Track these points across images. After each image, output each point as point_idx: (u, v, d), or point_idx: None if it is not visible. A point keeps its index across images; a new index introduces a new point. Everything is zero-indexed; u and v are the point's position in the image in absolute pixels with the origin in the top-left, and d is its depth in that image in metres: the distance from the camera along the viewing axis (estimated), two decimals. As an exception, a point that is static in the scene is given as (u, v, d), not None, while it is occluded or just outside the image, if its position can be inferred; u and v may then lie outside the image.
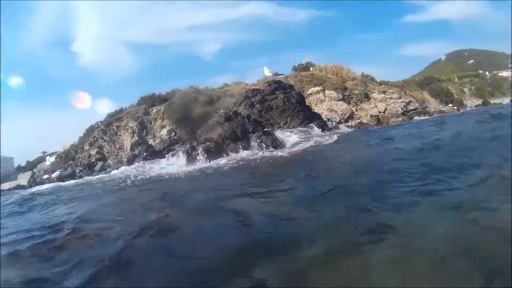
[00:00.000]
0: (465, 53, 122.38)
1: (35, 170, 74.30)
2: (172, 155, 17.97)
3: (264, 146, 16.29)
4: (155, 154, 29.92)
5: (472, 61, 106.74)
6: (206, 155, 15.33)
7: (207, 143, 15.98)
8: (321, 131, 19.25)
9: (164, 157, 26.73)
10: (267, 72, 25.92)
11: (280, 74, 33.46)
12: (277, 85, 22.96)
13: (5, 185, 67.07)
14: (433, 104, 65.40)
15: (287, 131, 19.01)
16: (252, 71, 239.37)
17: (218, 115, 20.83)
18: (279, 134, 18.72)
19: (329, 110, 48.51)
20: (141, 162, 28.49)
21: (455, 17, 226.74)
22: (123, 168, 17.54)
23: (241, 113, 20.45)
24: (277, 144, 16.86)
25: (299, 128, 19.16)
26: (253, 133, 17.43)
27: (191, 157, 15.57)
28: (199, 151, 15.45)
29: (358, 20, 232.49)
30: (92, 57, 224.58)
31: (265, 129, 18.53)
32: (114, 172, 21.83)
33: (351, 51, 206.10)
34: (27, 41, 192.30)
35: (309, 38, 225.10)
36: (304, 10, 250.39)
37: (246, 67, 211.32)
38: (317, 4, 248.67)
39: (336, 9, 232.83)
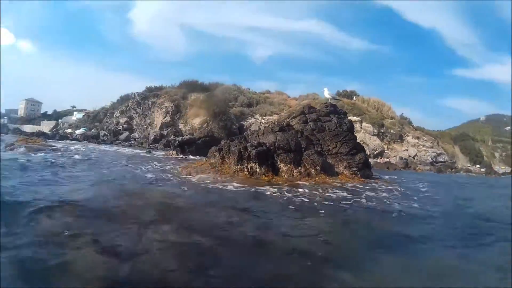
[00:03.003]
0: (504, 119, 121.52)
1: (60, 121, 75.82)
2: (219, 151, 18.23)
3: (313, 166, 16.62)
4: (189, 142, 30.44)
5: (509, 128, 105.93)
6: (257, 160, 15.61)
7: (260, 147, 16.18)
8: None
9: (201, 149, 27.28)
10: (327, 94, 25.90)
11: (339, 100, 33.72)
12: (333, 109, 23.09)
13: (27, 128, 68.83)
14: (462, 161, 65.35)
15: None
16: (295, 85, 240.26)
17: (271, 122, 21.01)
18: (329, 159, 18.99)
19: (362, 142, 48.83)
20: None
21: (503, 81, 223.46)
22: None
23: (294, 126, 20.68)
24: (327, 168, 17.19)
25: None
26: (306, 149, 17.79)
27: (242, 158, 15.86)
28: (251, 154, 15.69)
29: (409, 62, 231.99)
30: (146, 29, 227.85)
31: (317, 149, 18.71)
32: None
33: (395, 89, 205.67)
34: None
35: (358, 67, 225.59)
36: (360, 40, 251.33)
37: (290, 80, 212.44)
38: (374, 37, 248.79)
39: (391, 47, 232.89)
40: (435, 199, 13.23)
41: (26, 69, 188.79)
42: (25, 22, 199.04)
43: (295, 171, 15.94)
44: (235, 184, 12.63)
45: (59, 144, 30.63)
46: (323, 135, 20.39)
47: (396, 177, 24.41)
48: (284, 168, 16.02)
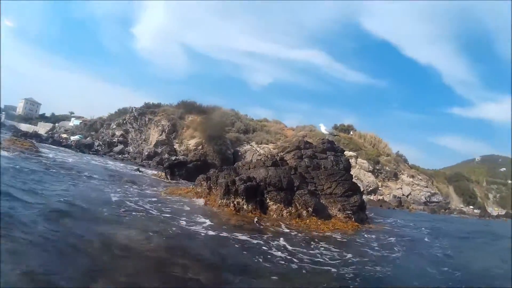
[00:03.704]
0: (500, 160, 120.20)
1: (57, 125, 75.62)
2: (206, 180, 17.04)
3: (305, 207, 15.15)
4: (180, 165, 28.95)
5: (504, 169, 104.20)
6: (245, 196, 14.30)
7: (249, 182, 14.88)
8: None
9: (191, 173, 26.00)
10: (323, 130, 24.73)
11: (335, 135, 32.64)
12: (330, 146, 21.75)
13: (24, 126, 68.11)
14: (455, 202, 64.50)
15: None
16: (291, 114, 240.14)
17: (263, 155, 19.71)
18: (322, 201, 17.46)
19: (356, 178, 47.53)
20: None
21: (499, 120, 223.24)
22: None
23: (288, 162, 19.29)
24: (320, 210, 15.69)
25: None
26: (298, 188, 16.36)
27: (229, 192, 14.57)
28: (239, 189, 14.38)
29: (406, 98, 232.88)
30: (148, 45, 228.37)
31: (311, 188, 17.32)
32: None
33: (391, 125, 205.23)
34: (88, 7, 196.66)
35: (355, 100, 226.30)
36: (358, 73, 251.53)
37: (287, 108, 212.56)
38: (372, 71, 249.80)
39: (388, 82, 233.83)
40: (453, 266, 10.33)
41: (27, 70, 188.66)
42: (28, 25, 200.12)
43: (285, 211, 14.57)
44: (212, 225, 10.94)
45: (47, 150, 29.06)
46: (318, 173, 18.95)
47: (391, 220, 23.00)
48: (274, 207, 14.66)
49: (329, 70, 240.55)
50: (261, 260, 8.02)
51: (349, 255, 9.83)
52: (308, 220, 14.30)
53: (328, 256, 9.35)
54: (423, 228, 20.16)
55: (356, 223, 16.47)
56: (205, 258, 7.53)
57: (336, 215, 16.74)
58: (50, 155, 25.01)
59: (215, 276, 6.52)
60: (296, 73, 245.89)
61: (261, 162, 17.74)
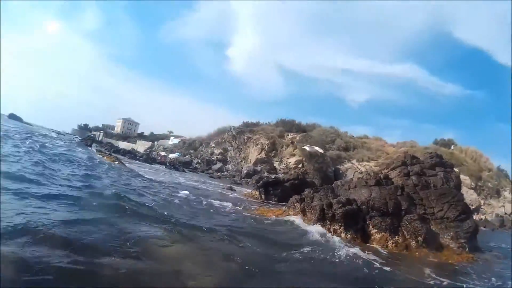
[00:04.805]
0: None
1: (156, 143, 77.63)
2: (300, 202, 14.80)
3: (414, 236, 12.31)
4: (276, 183, 26.14)
5: None
6: (343, 222, 11.81)
7: (348, 206, 12.36)
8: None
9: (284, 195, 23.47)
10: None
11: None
12: (439, 160, 18.61)
13: (123, 144, 71.42)
14: (557, 227, 57.05)
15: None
16: (390, 131, 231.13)
17: (366, 173, 17.06)
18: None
19: (459, 197, 43.22)
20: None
21: None
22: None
23: (393, 180, 16.47)
24: (430, 239, 12.81)
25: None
26: (406, 212, 13.56)
27: (324, 217, 12.15)
28: (336, 214, 11.91)
29: (505, 108, 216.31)
30: (243, 66, 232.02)
31: (420, 212, 14.41)
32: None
33: (490, 138, 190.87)
34: (182, 31, 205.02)
35: (452, 113, 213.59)
36: (454, 85, 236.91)
37: (385, 125, 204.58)
38: (468, 82, 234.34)
39: (486, 92, 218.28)
40: None
41: (124, 91, 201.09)
42: (126, 50, 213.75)
43: (390, 241, 12.07)
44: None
45: (134, 166, 29.10)
46: (427, 193, 15.88)
47: (504, 245, 19.44)
48: (377, 236, 12.21)
49: (424, 83, 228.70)
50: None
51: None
52: (417, 253, 11.59)
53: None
54: None
55: (471, 255, 13.39)
56: None
57: (448, 245, 13.68)
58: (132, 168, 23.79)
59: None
60: (392, 88, 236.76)
61: (362, 181, 15.24)
